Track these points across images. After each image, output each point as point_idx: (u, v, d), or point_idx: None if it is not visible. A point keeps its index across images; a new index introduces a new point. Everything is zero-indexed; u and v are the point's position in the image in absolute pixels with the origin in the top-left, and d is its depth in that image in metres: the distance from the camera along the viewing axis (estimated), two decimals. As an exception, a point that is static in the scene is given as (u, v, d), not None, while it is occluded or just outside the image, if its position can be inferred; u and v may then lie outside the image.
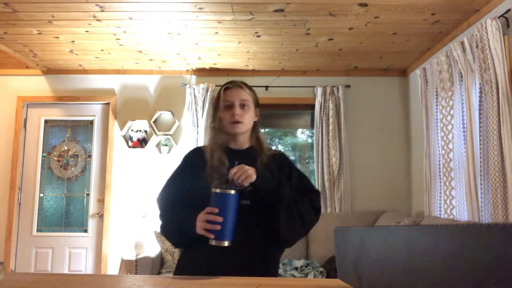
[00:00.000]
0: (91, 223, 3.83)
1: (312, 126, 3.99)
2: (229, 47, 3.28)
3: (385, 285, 0.61)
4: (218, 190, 1.14)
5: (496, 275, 0.37)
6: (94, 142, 3.93)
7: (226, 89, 1.36)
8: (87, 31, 2.97)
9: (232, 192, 1.13)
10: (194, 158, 1.39)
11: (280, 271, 3.09)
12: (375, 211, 3.64)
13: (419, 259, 0.50)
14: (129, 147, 3.81)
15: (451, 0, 2.45)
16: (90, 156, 3.93)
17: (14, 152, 3.83)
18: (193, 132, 3.74)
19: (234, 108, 1.33)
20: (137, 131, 3.82)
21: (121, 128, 3.87)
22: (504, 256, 0.36)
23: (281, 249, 1.35)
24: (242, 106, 1.35)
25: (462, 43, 2.64)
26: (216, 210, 1.12)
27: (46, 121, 3.97)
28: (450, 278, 0.43)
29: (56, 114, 3.98)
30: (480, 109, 2.41)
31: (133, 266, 3.08)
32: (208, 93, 3.77)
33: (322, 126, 3.77)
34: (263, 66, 3.77)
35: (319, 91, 3.80)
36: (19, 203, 3.84)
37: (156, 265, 3.22)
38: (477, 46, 2.44)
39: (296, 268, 3.12)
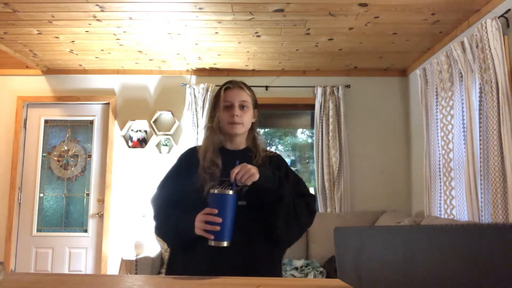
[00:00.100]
0: (91, 223, 3.83)
1: (312, 126, 3.99)
2: (229, 47, 3.28)
3: (385, 285, 0.61)
4: (216, 191, 1.14)
5: (496, 275, 0.37)
6: (94, 142, 3.93)
7: (226, 89, 1.35)
8: (87, 31, 2.97)
9: (231, 192, 1.13)
10: (189, 158, 1.38)
11: (280, 271, 3.09)
12: (375, 211, 3.64)
13: (419, 259, 0.50)
14: (129, 147, 3.81)
15: (451, 0, 2.45)
16: (90, 156, 3.93)
17: (14, 152, 3.83)
18: (193, 132, 3.74)
19: (234, 109, 1.32)
20: (137, 131, 3.83)
21: (121, 128, 3.87)
22: (504, 256, 0.36)
23: (280, 249, 1.34)
24: (242, 107, 1.34)
25: (462, 43, 2.64)
26: (216, 211, 1.12)
27: (46, 121, 3.97)
28: (450, 278, 0.43)
29: (56, 114, 3.98)
30: (480, 109, 2.41)
31: (133, 266, 3.08)
32: (208, 93, 3.77)
33: (322, 126, 3.77)
34: (263, 66, 3.77)
35: (319, 91, 3.80)
36: (19, 203, 3.84)
37: (156, 265, 3.22)
38: (477, 46, 2.44)
39: (296, 268, 3.12)
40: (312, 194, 1.39)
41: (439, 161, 3.00)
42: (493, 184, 2.25)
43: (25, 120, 3.94)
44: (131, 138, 3.82)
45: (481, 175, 2.38)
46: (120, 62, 3.73)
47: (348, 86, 3.88)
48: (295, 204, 1.27)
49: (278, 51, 3.36)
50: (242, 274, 1.06)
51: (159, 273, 3.24)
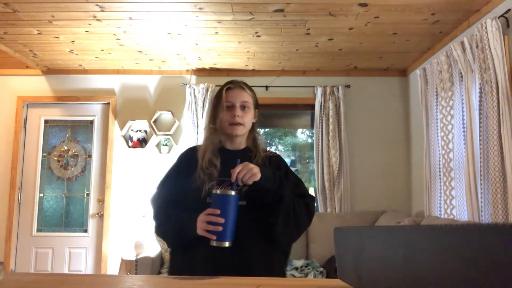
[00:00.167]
0: (91, 223, 3.83)
1: (312, 126, 3.99)
2: (229, 47, 3.28)
3: (385, 285, 0.61)
4: (219, 191, 1.14)
5: (496, 275, 0.37)
6: (94, 142, 3.93)
7: (227, 89, 1.34)
8: (87, 31, 2.97)
9: (233, 193, 1.13)
10: (189, 157, 1.38)
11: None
12: (375, 211, 3.64)
13: (419, 259, 0.50)
14: (129, 147, 3.81)
15: (451, 0, 2.45)
16: (90, 156, 3.93)
17: (14, 152, 3.83)
18: (193, 132, 3.74)
19: (235, 110, 1.31)
20: (137, 131, 3.83)
21: (121, 128, 3.87)
22: (504, 256, 0.36)
23: (279, 248, 1.33)
24: (243, 107, 1.34)
25: (462, 43, 2.64)
26: (218, 212, 1.12)
27: (46, 121, 3.97)
28: (450, 278, 0.43)
29: (56, 114, 3.98)
30: (480, 109, 2.41)
31: (133, 266, 3.08)
32: (208, 93, 3.77)
33: (322, 126, 3.77)
34: (263, 66, 3.77)
35: (319, 91, 3.80)
36: (19, 203, 3.84)
37: (156, 265, 3.22)
38: (477, 46, 2.44)
39: (296, 268, 3.12)
40: (311, 195, 1.39)
41: (439, 161, 3.00)
42: (493, 184, 2.25)
43: (25, 120, 3.94)
44: (131, 138, 3.82)
45: (481, 175, 2.37)
46: (120, 62, 3.73)
47: (348, 86, 3.88)
48: (294, 204, 1.27)
49: (278, 51, 3.36)
50: (242, 274, 1.05)
51: (159, 273, 3.24)
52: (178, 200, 1.30)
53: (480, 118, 2.41)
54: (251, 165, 1.16)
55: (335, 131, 3.73)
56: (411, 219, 3.06)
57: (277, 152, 1.51)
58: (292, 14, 2.63)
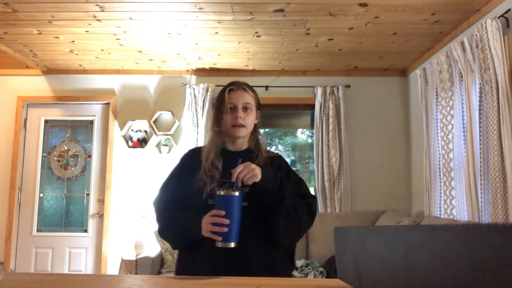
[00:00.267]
0: (91, 223, 3.83)
1: (312, 126, 3.99)
2: (229, 47, 3.28)
3: (385, 285, 0.61)
4: (223, 192, 1.14)
5: (496, 275, 0.37)
6: (94, 142, 3.93)
7: (230, 91, 1.34)
8: (87, 31, 2.97)
9: (237, 193, 1.13)
10: (191, 158, 1.38)
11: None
12: (375, 211, 3.64)
13: (419, 259, 0.50)
14: (129, 147, 3.81)
15: (451, 0, 2.45)
16: (90, 156, 3.93)
17: (14, 152, 3.83)
18: (193, 132, 3.74)
19: (237, 111, 1.31)
20: (137, 131, 3.83)
21: (121, 128, 3.87)
22: (504, 256, 0.36)
23: (281, 249, 1.33)
24: (245, 109, 1.34)
25: (462, 43, 2.64)
26: (223, 213, 1.12)
27: (46, 121, 3.97)
28: (450, 278, 0.43)
29: (56, 114, 3.98)
30: (480, 109, 2.41)
31: (133, 266, 3.08)
32: (208, 93, 3.77)
33: (322, 126, 3.77)
34: (263, 66, 3.77)
35: (319, 91, 3.80)
36: (19, 203, 3.84)
37: (156, 265, 3.22)
38: (477, 46, 2.44)
39: (296, 268, 3.12)
40: (313, 195, 1.39)
41: (439, 161, 3.00)
42: (493, 184, 2.25)
43: (25, 120, 3.94)
44: (131, 138, 3.82)
45: (481, 175, 2.37)
46: (120, 62, 3.73)
47: (348, 86, 3.88)
48: (296, 205, 1.27)
49: (278, 51, 3.36)
50: (244, 275, 1.06)
51: (159, 273, 3.24)
52: (180, 202, 1.30)
53: (480, 118, 2.41)
54: (253, 166, 1.16)
55: (335, 131, 3.73)
56: (411, 219, 3.06)
57: (278, 152, 1.50)
58: (292, 14, 2.63)
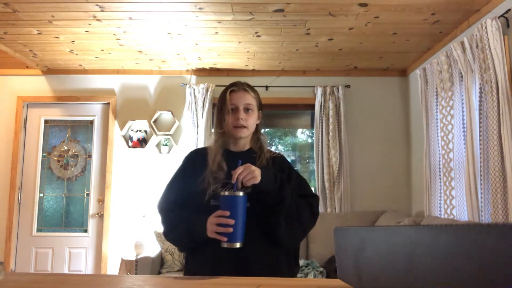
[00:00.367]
0: (91, 223, 3.83)
1: (312, 126, 3.99)
2: (229, 47, 3.28)
3: (385, 285, 0.61)
4: (227, 193, 1.14)
5: (496, 275, 0.37)
6: (94, 142, 3.93)
7: (231, 92, 1.34)
8: (87, 31, 2.97)
9: (241, 194, 1.14)
10: (195, 160, 1.38)
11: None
12: (375, 211, 3.64)
13: (419, 259, 0.50)
14: (129, 147, 3.81)
15: (451, 0, 2.45)
16: (90, 156, 3.93)
17: (14, 152, 3.83)
18: (193, 132, 3.74)
19: (239, 112, 1.31)
20: (137, 131, 3.83)
21: (121, 128, 3.87)
22: (504, 256, 0.36)
23: (284, 249, 1.33)
24: (246, 110, 1.34)
25: (462, 43, 2.64)
26: (227, 213, 1.12)
27: (46, 121, 3.97)
28: (450, 278, 0.43)
29: (56, 114, 3.98)
30: (480, 109, 2.41)
31: (133, 266, 3.08)
32: (208, 93, 3.77)
33: (322, 126, 3.77)
34: (263, 66, 3.77)
35: (319, 91, 3.80)
36: (19, 203, 3.84)
37: (156, 265, 3.22)
38: (477, 46, 2.44)
39: (296, 268, 3.11)
40: (315, 195, 1.39)
41: (439, 161, 3.00)
42: (493, 184, 2.25)
43: (25, 120, 3.94)
44: (131, 138, 3.82)
45: (481, 175, 2.37)
46: (120, 62, 3.73)
47: (348, 86, 3.88)
48: (297, 205, 1.27)
49: (278, 51, 3.36)
50: (247, 275, 1.06)
51: (159, 273, 3.24)
52: (185, 203, 1.30)
53: (480, 118, 2.41)
54: (253, 167, 1.16)
55: (335, 131, 3.73)
56: (411, 219, 3.06)
57: (280, 152, 1.50)
58: (292, 14, 2.63)
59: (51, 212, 3.88)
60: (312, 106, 3.87)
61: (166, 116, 3.88)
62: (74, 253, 3.80)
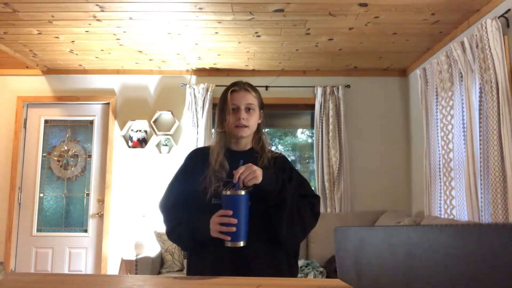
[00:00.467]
0: (91, 223, 3.83)
1: (312, 126, 3.99)
2: (229, 47, 3.28)
3: (385, 285, 0.61)
4: (229, 192, 1.14)
5: (496, 275, 0.37)
6: (94, 142, 3.93)
7: (232, 91, 1.34)
8: (87, 31, 2.97)
9: (243, 193, 1.14)
10: (196, 159, 1.38)
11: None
12: (375, 211, 3.64)
13: (419, 259, 0.50)
14: (129, 147, 3.81)
15: (451, 0, 2.45)
16: (90, 156, 3.93)
17: (14, 152, 3.83)
18: (193, 132, 3.74)
19: (240, 112, 1.31)
20: (137, 131, 3.83)
21: (121, 128, 3.87)
22: (504, 256, 0.36)
23: (286, 249, 1.33)
24: (248, 109, 1.34)
25: (462, 43, 2.64)
26: (230, 212, 1.13)
27: (46, 121, 3.97)
28: (450, 278, 0.43)
29: (56, 114, 3.98)
30: (480, 109, 2.41)
31: (133, 266, 3.08)
32: (208, 93, 3.76)
33: (322, 126, 3.77)
34: (263, 66, 3.77)
35: (319, 91, 3.80)
36: (19, 203, 3.84)
37: (156, 265, 3.22)
38: (477, 46, 2.44)
39: (296, 268, 3.11)
40: (316, 195, 1.39)
41: (439, 161, 3.00)
42: (493, 184, 2.25)
43: (25, 120, 3.94)
44: (131, 138, 3.82)
45: (481, 175, 2.37)
46: (120, 62, 3.73)
47: (348, 86, 3.88)
48: (298, 205, 1.27)
49: (278, 51, 3.36)
50: (248, 275, 1.06)
51: (159, 273, 3.24)
52: (187, 203, 1.30)
53: (480, 118, 2.41)
54: (254, 167, 1.16)
55: (335, 131, 3.73)
56: (411, 219, 3.06)
57: (282, 152, 1.51)
58: (292, 14, 2.63)
59: (51, 212, 3.88)
60: (312, 106, 3.87)
61: (166, 116, 3.88)
62: (74, 253, 3.80)
